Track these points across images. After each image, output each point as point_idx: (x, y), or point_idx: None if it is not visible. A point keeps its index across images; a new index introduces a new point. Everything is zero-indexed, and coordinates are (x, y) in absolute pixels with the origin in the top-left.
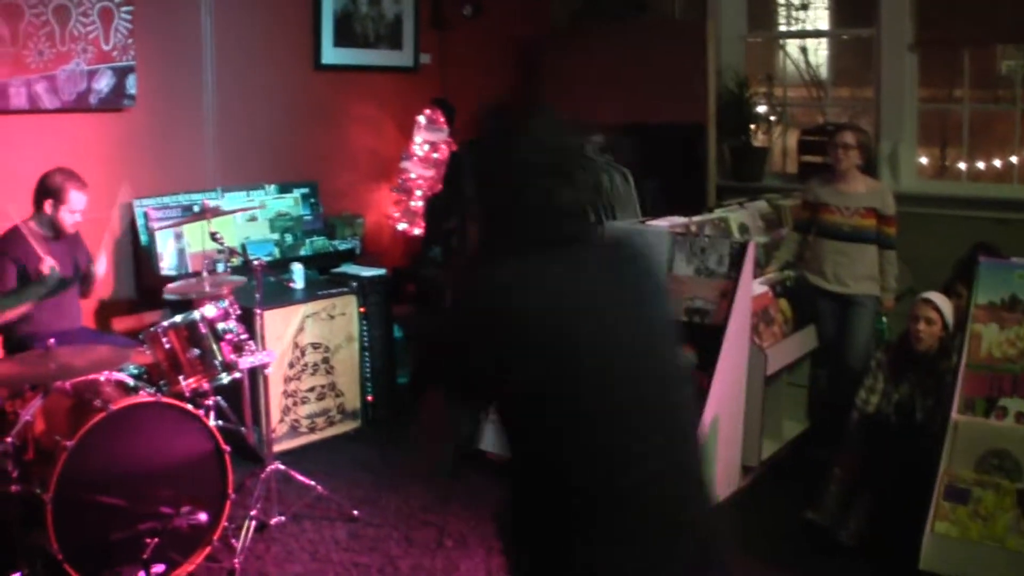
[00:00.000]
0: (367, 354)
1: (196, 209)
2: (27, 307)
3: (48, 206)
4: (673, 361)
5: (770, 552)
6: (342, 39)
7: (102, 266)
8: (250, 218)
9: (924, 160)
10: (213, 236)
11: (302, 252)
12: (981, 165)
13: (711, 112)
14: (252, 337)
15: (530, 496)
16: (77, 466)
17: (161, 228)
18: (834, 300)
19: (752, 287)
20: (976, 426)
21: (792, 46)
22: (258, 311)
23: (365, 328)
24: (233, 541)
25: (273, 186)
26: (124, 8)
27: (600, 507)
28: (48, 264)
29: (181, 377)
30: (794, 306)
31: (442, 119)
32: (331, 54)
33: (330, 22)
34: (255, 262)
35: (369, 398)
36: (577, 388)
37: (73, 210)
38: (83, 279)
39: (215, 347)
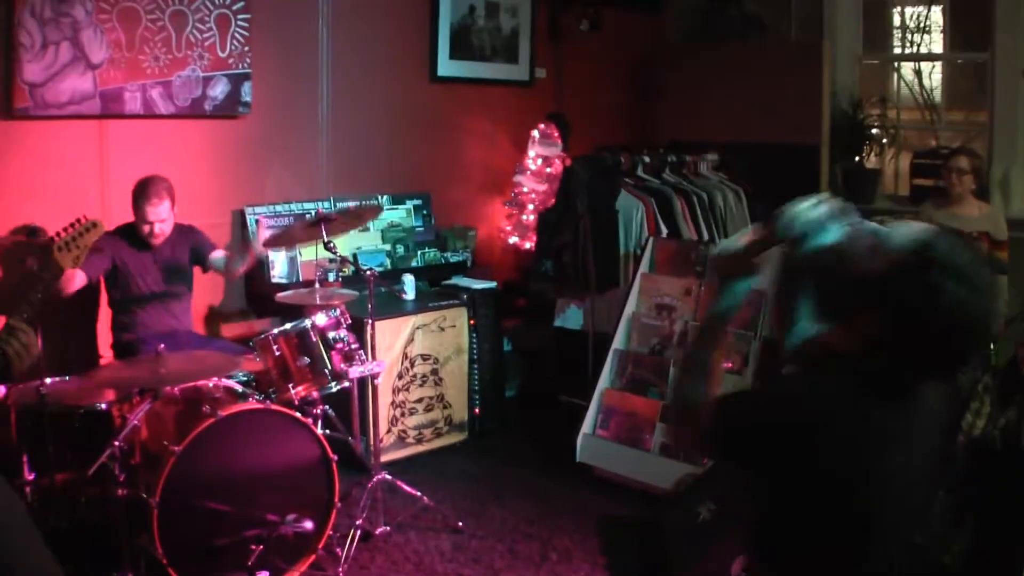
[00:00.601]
0: (476, 367)
1: (309, 217)
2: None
3: (134, 217)
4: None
5: None
6: (458, 51)
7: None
8: (362, 228)
9: None
10: (327, 245)
11: (413, 263)
12: None
13: (825, 133)
14: (362, 347)
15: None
16: (184, 471)
17: (272, 244)
18: None
19: None
20: None
21: (906, 69)
22: (369, 321)
23: (474, 341)
24: (338, 550)
25: (386, 197)
26: (241, 16)
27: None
28: None
29: (290, 385)
30: None
31: (556, 134)
32: (447, 66)
33: (447, 34)
34: (367, 272)
35: (476, 411)
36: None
37: (148, 221)
38: (228, 263)
39: (325, 356)
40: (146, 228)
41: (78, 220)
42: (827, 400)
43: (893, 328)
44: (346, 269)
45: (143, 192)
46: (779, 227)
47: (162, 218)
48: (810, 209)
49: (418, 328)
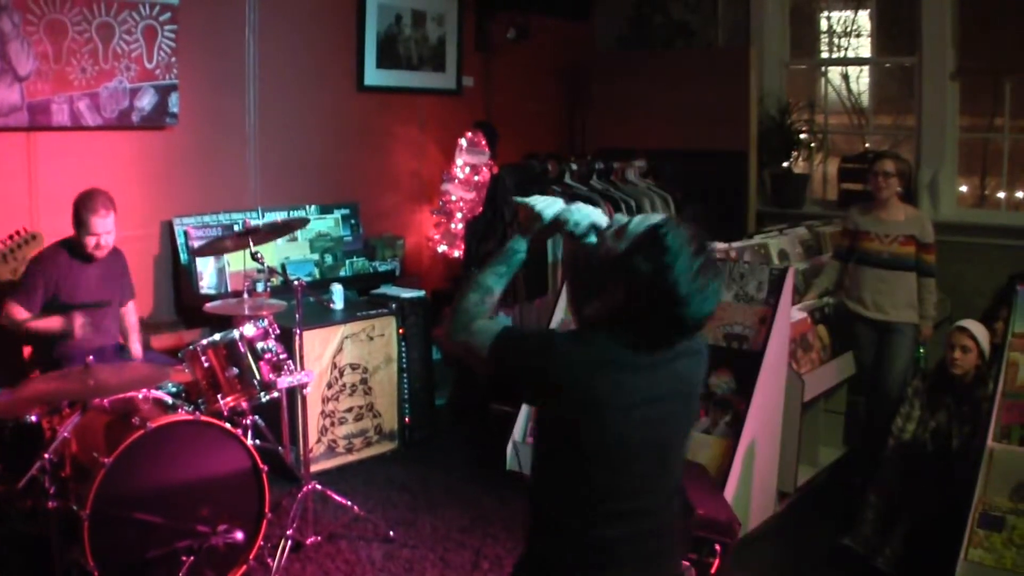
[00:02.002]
0: (405, 375)
1: (237, 229)
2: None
3: (75, 231)
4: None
5: None
6: (385, 61)
7: (137, 349)
8: (290, 238)
9: (964, 189)
10: (254, 255)
11: (342, 273)
12: (1021, 194)
13: (752, 138)
14: (291, 357)
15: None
16: (114, 483)
17: (201, 253)
18: (873, 327)
19: (791, 313)
20: (1012, 454)
21: (834, 73)
22: (297, 331)
23: (404, 350)
24: (269, 560)
25: (314, 207)
26: (168, 27)
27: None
28: (79, 325)
29: (219, 396)
30: (832, 333)
31: (483, 142)
32: (374, 76)
33: (373, 44)
34: (295, 282)
35: (407, 419)
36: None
37: (94, 234)
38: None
39: (254, 366)
40: (93, 240)
41: (17, 232)
42: (574, 363)
43: (629, 297)
44: (274, 279)
45: (90, 204)
46: (572, 222)
47: (108, 230)
48: (593, 213)
49: (347, 337)
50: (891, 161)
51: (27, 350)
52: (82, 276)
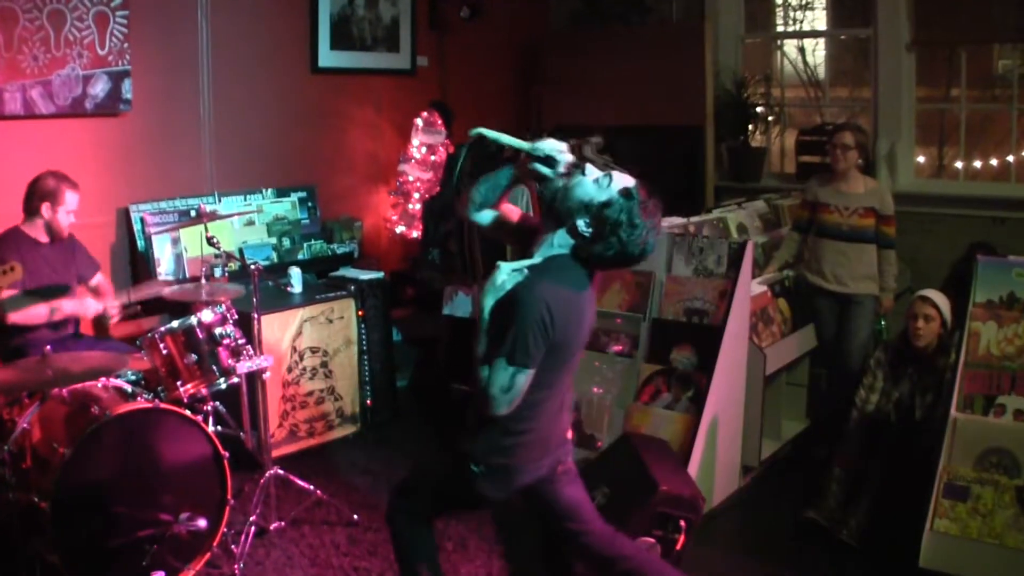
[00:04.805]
0: (366, 358)
1: (193, 214)
2: (37, 319)
3: (46, 209)
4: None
5: (771, 551)
6: (339, 42)
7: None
8: (247, 222)
9: (922, 159)
10: (210, 240)
11: (300, 256)
12: (978, 164)
13: (709, 113)
14: (249, 342)
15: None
16: (75, 473)
17: (158, 233)
18: (833, 299)
19: (751, 287)
20: (975, 424)
21: (790, 46)
22: (255, 315)
23: (363, 332)
24: (233, 547)
25: (270, 190)
26: (120, 12)
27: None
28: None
29: (179, 383)
30: (793, 306)
31: (439, 122)
32: (328, 57)
33: (327, 25)
34: (252, 266)
35: (368, 402)
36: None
37: (69, 210)
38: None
39: (213, 352)
40: (67, 218)
41: None
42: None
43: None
44: (232, 264)
45: (64, 180)
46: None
47: (76, 208)
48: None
49: (306, 321)
50: (849, 133)
51: None
52: (40, 261)
